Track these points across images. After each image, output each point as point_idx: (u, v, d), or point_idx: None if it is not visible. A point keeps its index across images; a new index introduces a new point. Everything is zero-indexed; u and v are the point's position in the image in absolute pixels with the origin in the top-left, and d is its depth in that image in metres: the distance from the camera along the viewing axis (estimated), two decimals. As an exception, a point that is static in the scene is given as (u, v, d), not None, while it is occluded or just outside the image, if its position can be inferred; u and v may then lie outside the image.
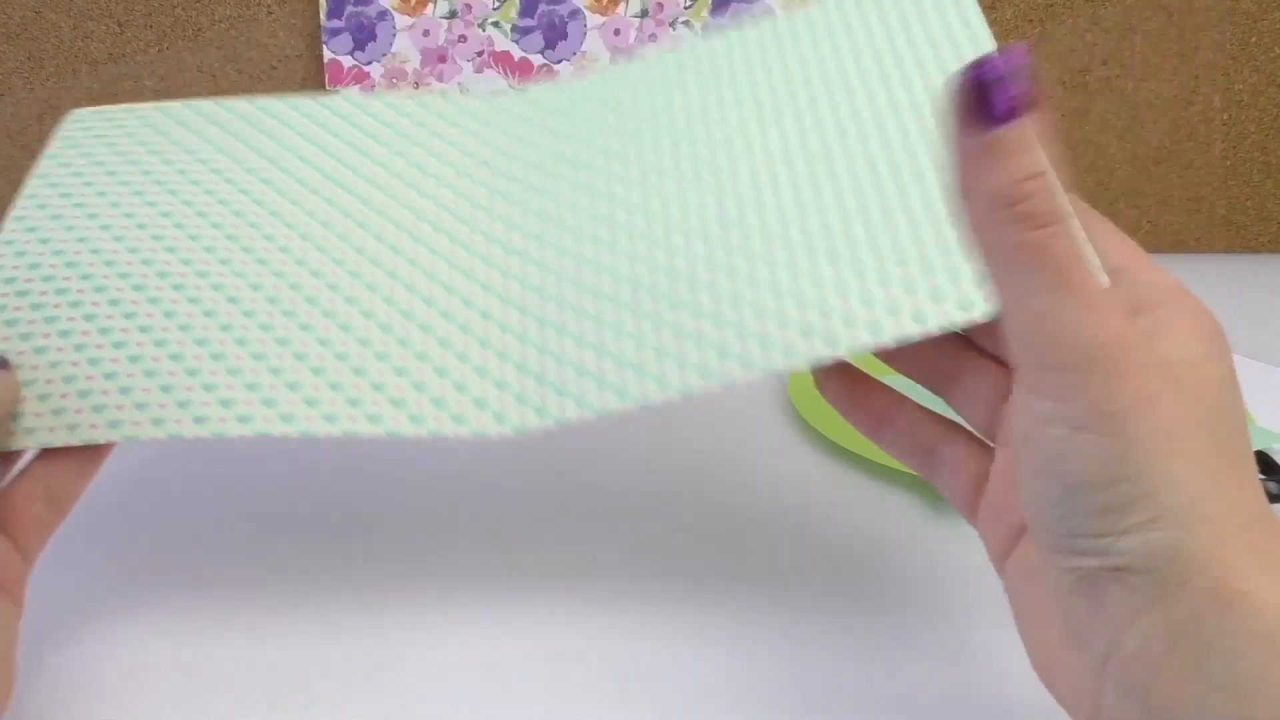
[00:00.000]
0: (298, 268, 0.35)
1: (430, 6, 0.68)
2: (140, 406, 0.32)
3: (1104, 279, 0.22)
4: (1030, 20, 0.68)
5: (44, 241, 0.36)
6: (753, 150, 0.34)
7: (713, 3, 0.68)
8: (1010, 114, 0.21)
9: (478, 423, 0.31)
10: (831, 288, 0.30)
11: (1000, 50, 0.21)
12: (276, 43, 0.69)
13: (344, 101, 0.41)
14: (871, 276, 0.30)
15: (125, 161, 0.39)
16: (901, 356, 0.31)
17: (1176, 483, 0.20)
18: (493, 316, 0.33)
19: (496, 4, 0.67)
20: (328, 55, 0.68)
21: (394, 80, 0.68)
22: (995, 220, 0.21)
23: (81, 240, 0.36)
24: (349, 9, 0.67)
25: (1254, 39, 0.68)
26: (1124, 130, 0.71)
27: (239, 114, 0.41)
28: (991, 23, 0.68)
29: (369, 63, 0.68)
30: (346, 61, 0.68)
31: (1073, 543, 0.21)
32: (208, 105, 0.42)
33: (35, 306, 0.34)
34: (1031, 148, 0.21)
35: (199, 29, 0.69)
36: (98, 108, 0.43)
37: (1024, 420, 0.22)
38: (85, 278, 0.35)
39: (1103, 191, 0.72)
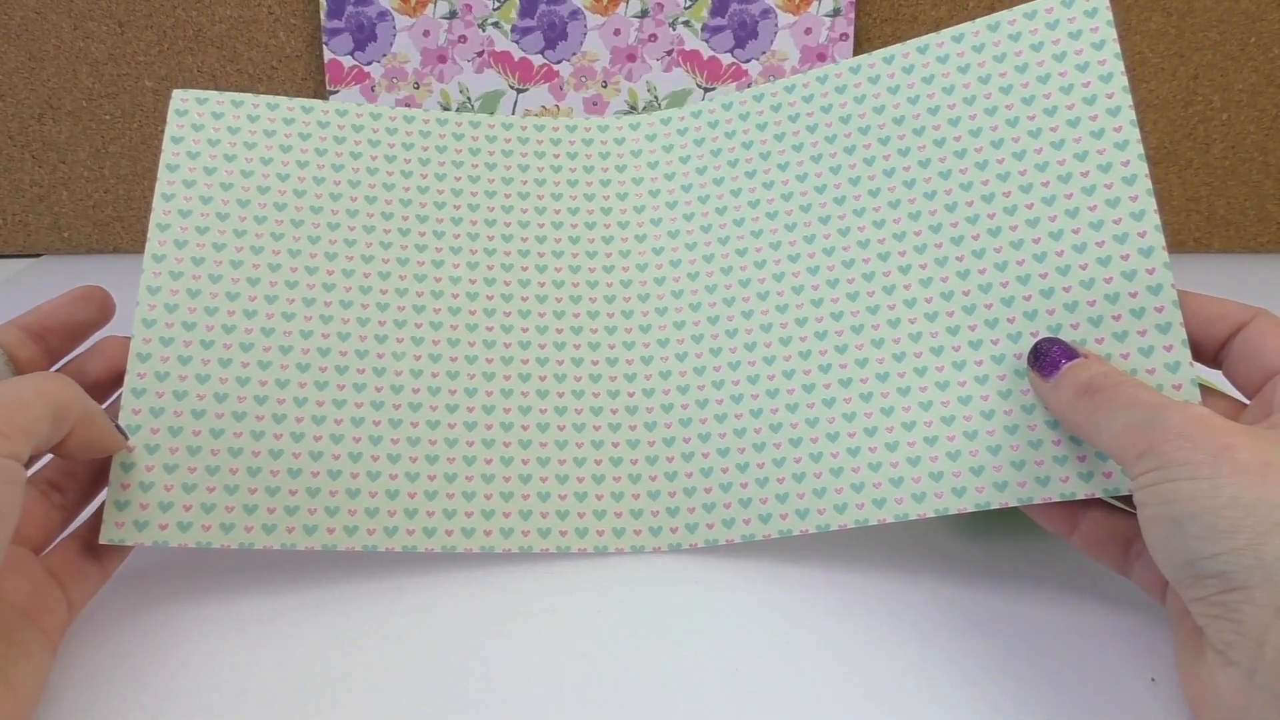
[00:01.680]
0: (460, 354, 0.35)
1: (430, 6, 0.68)
2: (290, 510, 0.32)
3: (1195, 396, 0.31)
4: (1030, 20, 0.68)
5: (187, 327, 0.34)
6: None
7: (713, 3, 0.68)
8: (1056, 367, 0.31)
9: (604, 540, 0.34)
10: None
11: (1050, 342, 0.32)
12: (276, 43, 0.69)
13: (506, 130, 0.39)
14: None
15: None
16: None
17: (1273, 504, 0.24)
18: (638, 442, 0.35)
19: (496, 4, 0.67)
20: (328, 55, 0.68)
21: (394, 81, 0.68)
22: (1076, 404, 0.30)
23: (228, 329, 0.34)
24: (349, 9, 0.67)
25: (1253, 39, 0.68)
26: (1124, 130, 0.71)
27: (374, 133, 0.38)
28: (991, 23, 0.69)
29: (369, 63, 0.68)
30: (346, 62, 0.68)
31: (1197, 569, 0.25)
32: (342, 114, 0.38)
33: (180, 395, 0.33)
34: (1086, 368, 0.30)
35: (199, 29, 0.69)
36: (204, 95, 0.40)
37: (1138, 494, 0.27)
38: (224, 363, 0.33)
39: (1102, 191, 0.72)
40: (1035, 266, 0.33)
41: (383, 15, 0.67)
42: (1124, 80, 0.33)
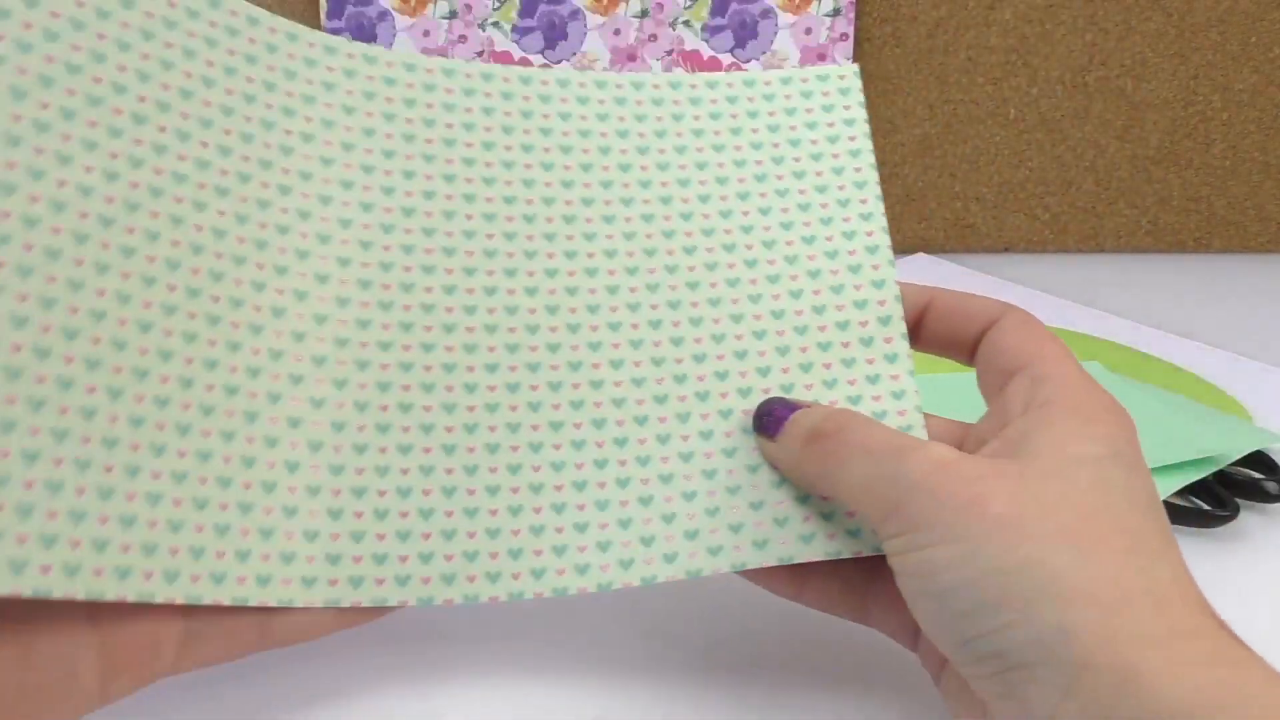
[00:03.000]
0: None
1: (430, 6, 0.68)
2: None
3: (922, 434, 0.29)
4: (1030, 20, 0.68)
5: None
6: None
7: (713, 3, 0.68)
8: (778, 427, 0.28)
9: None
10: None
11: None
12: (277, 43, 0.69)
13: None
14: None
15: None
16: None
17: (1037, 564, 0.21)
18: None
19: (497, 4, 0.67)
20: (328, 55, 0.68)
21: (394, 80, 0.68)
22: (804, 454, 0.27)
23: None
24: (349, 9, 0.67)
25: (1254, 39, 0.68)
26: (1124, 130, 0.71)
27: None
28: (992, 23, 0.69)
29: (369, 63, 0.68)
30: (347, 61, 0.68)
31: (972, 649, 0.22)
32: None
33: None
34: (808, 415, 0.28)
35: (199, 29, 0.69)
36: None
37: (893, 561, 0.24)
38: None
39: (1103, 191, 0.72)
40: (772, 323, 0.31)
41: (383, 15, 0.67)
42: (871, 158, 0.33)
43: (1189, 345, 0.56)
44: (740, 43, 0.68)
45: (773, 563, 0.28)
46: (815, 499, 0.29)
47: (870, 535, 0.28)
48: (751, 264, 0.32)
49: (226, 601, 0.26)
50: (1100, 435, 0.24)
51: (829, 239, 0.32)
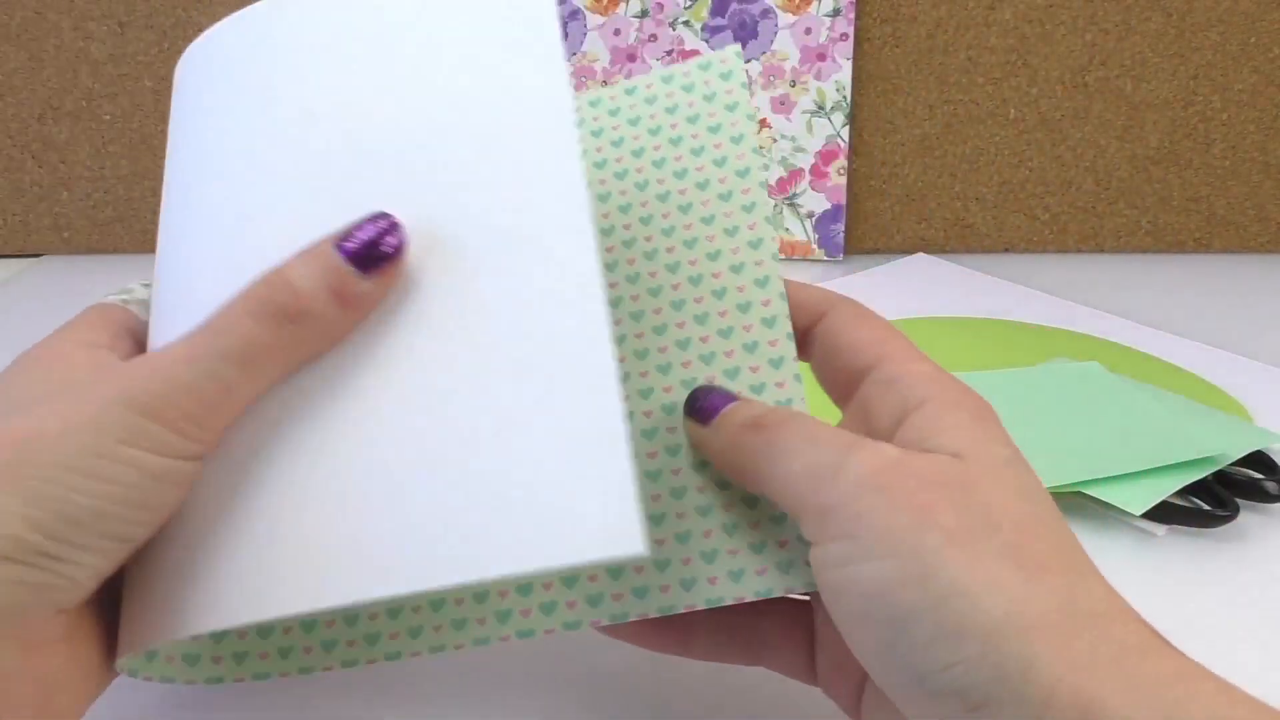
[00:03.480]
0: None
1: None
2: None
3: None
4: (1030, 20, 0.68)
5: None
6: None
7: (713, 3, 0.68)
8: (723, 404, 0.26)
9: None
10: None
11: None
12: (277, 43, 0.69)
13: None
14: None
15: None
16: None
17: (993, 588, 0.20)
18: None
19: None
20: (328, 55, 0.68)
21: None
22: (743, 442, 0.25)
23: None
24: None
25: (1254, 39, 0.68)
26: (1124, 130, 0.71)
27: None
28: (992, 23, 0.69)
29: (369, 63, 0.68)
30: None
31: (929, 685, 0.20)
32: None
33: None
34: (748, 405, 0.26)
35: (200, 29, 0.68)
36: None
37: (827, 574, 0.22)
38: None
39: (1103, 191, 0.72)
40: (672, 315, 0.30)
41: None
42: (754, 141, 0.31)
43: (1189, 345, 0.56)
44: (740, 43, 0.68)
45: (701, 605, 0.26)
46: (741, 533, 0.27)
47: (803, 569, 0.26)
48: (672, 269, 0.31)
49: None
50: (995, 434, 0.23)
51: (710, 239, 0.30)
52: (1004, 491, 0.22)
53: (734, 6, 0.68)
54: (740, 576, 0.26)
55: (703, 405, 0.27)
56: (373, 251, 0.24)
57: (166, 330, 0.27)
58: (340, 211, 0.26)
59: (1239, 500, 0.38)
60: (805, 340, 0.28)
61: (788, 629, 0.27)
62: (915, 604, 0.20)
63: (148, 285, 0.30)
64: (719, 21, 0.68)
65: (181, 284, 0.28)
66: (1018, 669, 0.19)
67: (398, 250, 0.25)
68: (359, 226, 0.25)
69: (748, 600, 0.26)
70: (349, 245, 0.24)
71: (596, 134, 0.33)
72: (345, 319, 0.24)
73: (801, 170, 0.70)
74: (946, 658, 0.20)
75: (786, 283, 0.29)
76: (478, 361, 0.24)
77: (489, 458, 0.23)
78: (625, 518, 0.21)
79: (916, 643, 0.20)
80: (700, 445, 0.27)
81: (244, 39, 0.30)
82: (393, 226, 0.25)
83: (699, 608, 0.26)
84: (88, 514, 0.22)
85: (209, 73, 0.30)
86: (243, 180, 0.28)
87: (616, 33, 0.69)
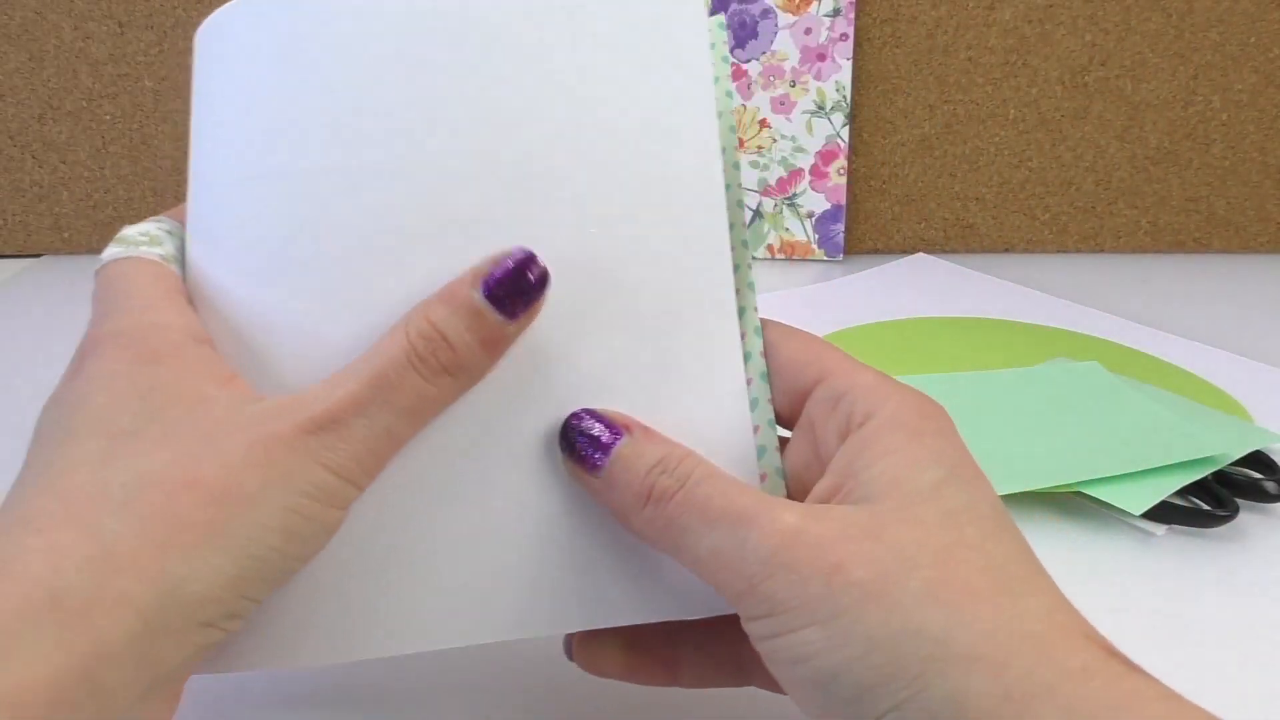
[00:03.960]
0: None
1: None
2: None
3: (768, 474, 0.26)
4: (1030, 20, 0.68)
5: None
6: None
7: (712, 3, 0.68)
8: (608, 448, 0.24)
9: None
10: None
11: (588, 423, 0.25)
12: (277, 43, 0.69)
13: None
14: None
15: None
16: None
17: (914, 633, 0.20)
18: None
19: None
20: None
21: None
22: (641, 518, 0.24)
23: None
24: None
25: (1254, 39, 0.68)
26: (1123, 130, 0.71)
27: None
28: (992, 23, 0.69)
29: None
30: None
31: None
32: None
33: None
34: (640, 454, 0.24)
35: (199, 29, 0.69)
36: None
37: (760, 646, 0.22)
38: None
39: (1102, 191, 0.72)
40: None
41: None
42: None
43: (1189, 345, 0.56)
44: (740, 43, 0.68)
45: (622, 621, 0.26)
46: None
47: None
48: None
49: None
50: (931, 452, 0.23)
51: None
52: (920, 527, 0.21)
53: (734, 6, 0.68)
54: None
55: (582, 443, 0.25)
56: (514, 292, 0.24)
57: (242, 330, 0.26)
58: (461, 226, 0.25)
59: (1239, 500, 0.38)
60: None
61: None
62: (836, 664, 0.20)
63: (162, 227, 0.28)
64: (719, 21, 0.68)
65: (261, 288, 0.26)
66: (948, 707, 0.19)
67: (539, 289, 0.24)
68: (499, 264, 0.24)
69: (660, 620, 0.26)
70: (491, 286, 0.24)
71: None
72: (491, 362, 0.25)
73: (801, 170, 0.70)
74: (874, 709, 0.20)
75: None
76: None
77: None
78: None
79: (844, 700, 0.20)
80: (596, 498, 0.25)
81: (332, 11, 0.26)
82: (531, 263, 0.24)
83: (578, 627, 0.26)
84: (281, 572, 0.22)
85: (290, 35, 0.26)
86: (332, 162, 0.26)
87: (616, 33, 0.69)
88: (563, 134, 0.26)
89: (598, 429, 0.25)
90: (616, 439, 0.24)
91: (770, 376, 0.26)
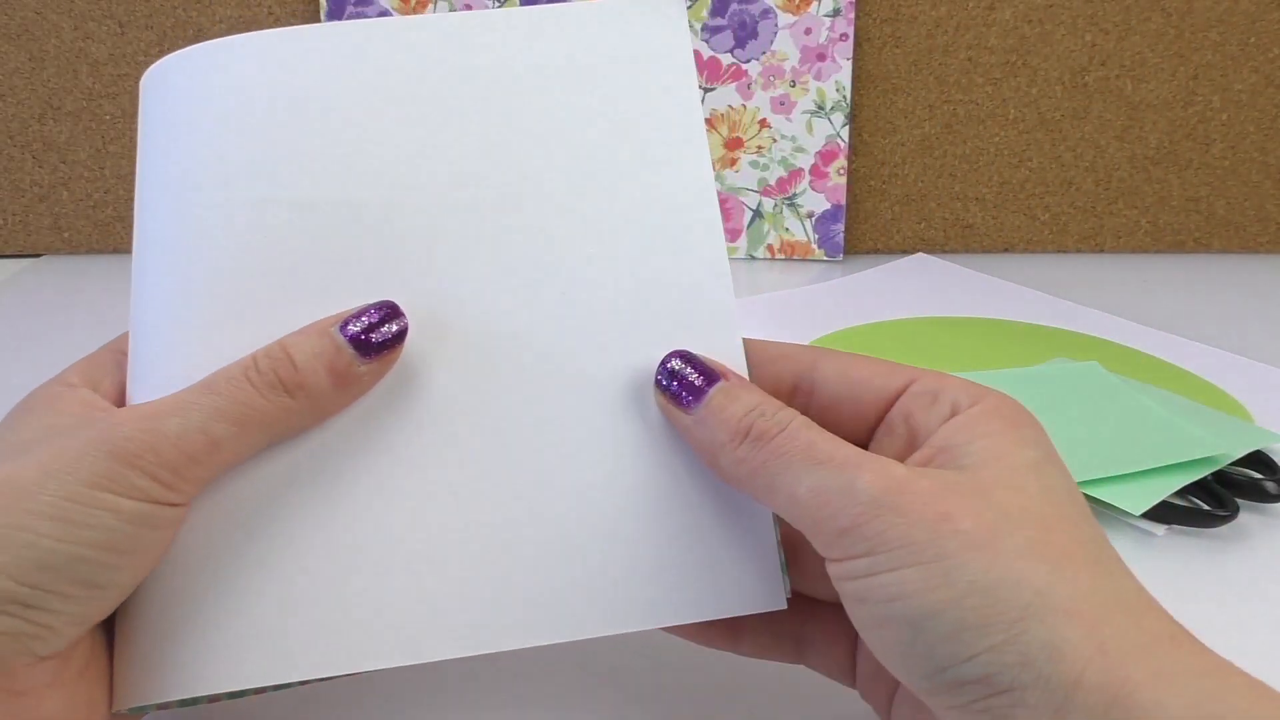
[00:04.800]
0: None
1: (430, 7, 0.68)
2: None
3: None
4: (1030, 20, 0.68)
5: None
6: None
7: (713, 3, 0.68)
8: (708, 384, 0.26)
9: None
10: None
11: None
12: (277, 43, 0.69)
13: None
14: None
15: None
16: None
17: (1015, 582, 0.20)
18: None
19: (497, 5, 0.67)
20: (328, 55, 0.68)
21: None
22: (734, 456, 0.24)
23: None
24: (349, 10, 0.67)
25: (1253, 39, 0.68)
26: (1123, 130, 0.71)
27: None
28: (992, 23, 0.69)
29: (369, 63, 0.68)
30: (347, 62, 0.68)
31: (949, 676, 0.21)
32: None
33: None
34: (735, 398, 0.25)
35: (200, 29, 0.68)
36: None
37: (849, 585, 0.23)
38: None
39: (1102, 191, 0.72)
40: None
41: (383, 16, 0.67)
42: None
43: (1189, 345, 0.56)
44: (740, 43, 0.68)
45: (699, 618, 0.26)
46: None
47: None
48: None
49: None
50: (1029, 438, 0.24)
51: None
52: (1023, 494, 0.22)
53: (734, 6, 0.68)
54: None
55: (679, 384, 0.26)
56: (371, 336, 0.25)
57: (159, 367, 0.27)
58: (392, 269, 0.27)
59: (1239, 500, 0.38)
60: (798, 391, 0.27)
61: (832, 632, 0.28)
62: (936, 604, 0.21)
63: None
64: (719, 22, 0.68)
65: (178, 328, 0.27)
66: (1044, 653, 0.20)
67: (398, 338, 0.26)
68: (364, 311, 0.26)
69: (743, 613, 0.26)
70: (352, 329, 0.25)
71: None
72: (339, 397, 0.26)
73: (801, 170, 0.70)
74: (969, 649, 0.20)
75: (767, 345, 0.28)
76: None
77: (664, 526, 0.26)
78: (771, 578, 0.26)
79: (938, 637, 0.21)
80: (685, 434, 0.26)
81: (261, 62, 0.30)
82: (395, 315, 0.26)
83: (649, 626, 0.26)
84: (62, 560, 0.22)
85: (213, 90, 0.30)
86: (245, 226, 0.27)
87: (616, 33, 0.69)
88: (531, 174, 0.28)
89: (692, 372, 0.26)
90: (713, 382, 0.25)
91: (843, 397, 0.27)
